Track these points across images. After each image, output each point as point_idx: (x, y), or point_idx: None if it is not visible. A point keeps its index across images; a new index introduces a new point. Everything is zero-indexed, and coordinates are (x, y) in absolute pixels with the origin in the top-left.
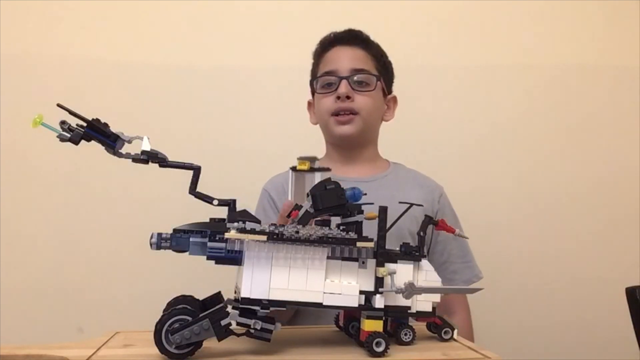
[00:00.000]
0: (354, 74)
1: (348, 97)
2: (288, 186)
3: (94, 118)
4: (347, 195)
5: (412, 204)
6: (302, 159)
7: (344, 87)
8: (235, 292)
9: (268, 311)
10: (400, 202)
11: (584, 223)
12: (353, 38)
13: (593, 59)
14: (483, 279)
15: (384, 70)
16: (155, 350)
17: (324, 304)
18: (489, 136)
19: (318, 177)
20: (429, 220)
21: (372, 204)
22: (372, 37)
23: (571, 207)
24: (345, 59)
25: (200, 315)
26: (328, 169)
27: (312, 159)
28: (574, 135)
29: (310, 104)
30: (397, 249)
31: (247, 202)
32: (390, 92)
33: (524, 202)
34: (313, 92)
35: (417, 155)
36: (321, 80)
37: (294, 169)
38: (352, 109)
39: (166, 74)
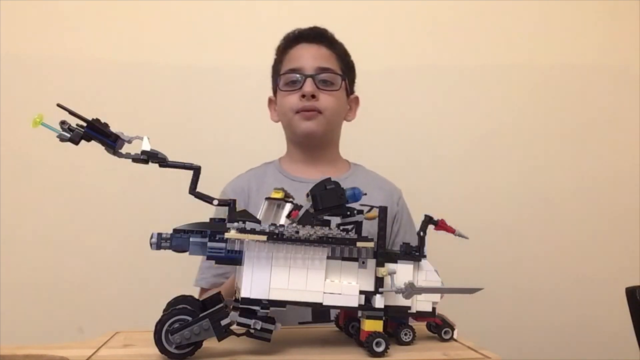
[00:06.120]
0: (319, 72)
1: (313, 96)
2: (247, 192)
3: (94, 118)
4: (347, 195)
5: (372, 207)
6: (277, 189)
7: (309, 86)
8: (235, 292)
9: (268, 311)
10: (361, 205)
11: (584, 223)
12: (318, 36)
13: (593, 59)
14: (483, 279)
15: (348, 70)
16: (155, 350)
17: (324, 304)
18: (488, 136)
19: (287, 208)
20: (428, 220)
21: None
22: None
23: (571, 207)
24: (310, 56)
25: (200, 315)
26: (299, 206)
27: (288, 194)
28: (573, 135)
29: (271, 101)
30: None
31: None
32: (352, 92)
33: (523, 202)
34: (275, 89)
35: (417, 155)
36: (285, 77)
37: (267, 197)
38: (316, 108)
39: (166, 74)
